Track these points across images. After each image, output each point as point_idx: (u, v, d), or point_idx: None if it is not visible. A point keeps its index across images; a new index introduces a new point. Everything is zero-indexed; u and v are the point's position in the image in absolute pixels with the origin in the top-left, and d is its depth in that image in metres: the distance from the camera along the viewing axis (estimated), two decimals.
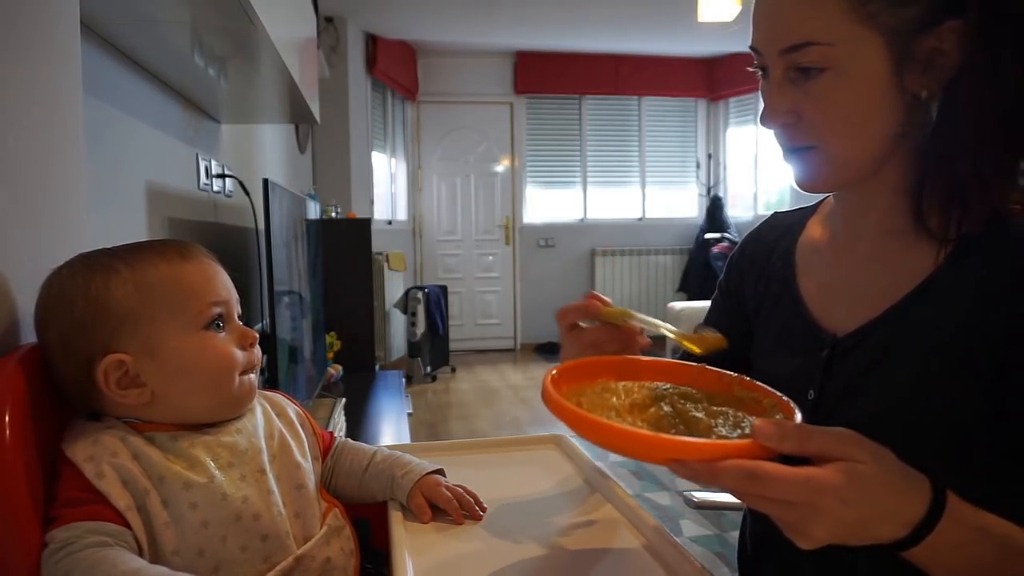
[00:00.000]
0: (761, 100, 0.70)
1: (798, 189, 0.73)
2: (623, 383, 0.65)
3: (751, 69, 0.72)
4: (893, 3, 0.62)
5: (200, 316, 0.66)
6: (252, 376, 0.70)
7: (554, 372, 0.61)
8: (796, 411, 0.57)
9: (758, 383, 0.64)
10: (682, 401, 0.61)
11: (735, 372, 0.89)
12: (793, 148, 0.70)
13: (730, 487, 0.49)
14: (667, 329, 0.70)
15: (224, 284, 0.70)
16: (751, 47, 0.70)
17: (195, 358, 0.65)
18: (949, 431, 0.63)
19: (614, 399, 0.61)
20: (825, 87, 0.65)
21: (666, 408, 0.59)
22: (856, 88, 0.64)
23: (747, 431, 0.55)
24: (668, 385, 0.65)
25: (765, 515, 0.51)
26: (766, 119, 0.69)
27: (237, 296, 0.71)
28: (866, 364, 0.69)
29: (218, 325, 0.67)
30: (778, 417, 0.57)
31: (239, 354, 0.68)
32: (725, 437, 0.55)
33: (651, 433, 0.53)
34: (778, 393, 0.61)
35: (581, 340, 0.75)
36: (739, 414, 0.59)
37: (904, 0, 0.62)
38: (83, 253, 0.67)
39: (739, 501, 0.53)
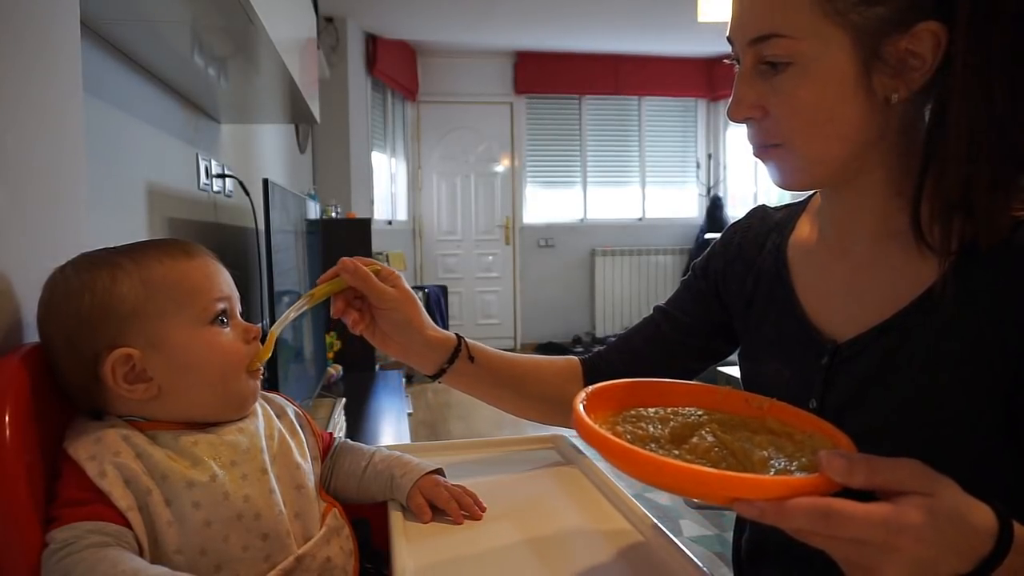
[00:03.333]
0: None
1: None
2: (653, 409, 0.63)
3: (727, 61, 0.71)
4: (862, 1, 0.60)
5: (205, 311, 0.66)
6: (258, 372, 0.70)
7: (584, 401, 0.58)
8: (838, 432, 0.55)
9: (789, 407, 0.62)
10: (722, 430, 0.59)
11: (698, 357, 0.90)
12: (761, 145, 0.69)
13: (799, 527, 0.45)
14: (295, 309, 0.77)
15: (226, 281, 0.70)
16: (727, 37, 0.69)
17: (201, 352, 0.66)
18: (959, 444, 0.62)
19: (651, 428, 0.59)
20: (790, 82, 0.63)
21: (709, 438, 0.57)
22: (821, 85, 0.63)
23: (804, 462, 0.53)
24: (701, 411, 0.63)
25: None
26: (732, 111, 0.68)
27: (238, 294, 0.72)
28: (870, 373, 0.67)
29: (222, 320, 0.68)
30: (830, 449, 0.54)
31: (243, 348, 0.69)
32: (784, 471, 0.52)
33: (715, 471, 0.49)
34: (817, 419, 0.59)
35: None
36: (787, 444, 0.57)
37: None
38: (85, 252, 0.67)
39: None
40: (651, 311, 0.95)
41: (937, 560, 0.46)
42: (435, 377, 0.88)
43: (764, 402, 0.63)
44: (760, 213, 0.88)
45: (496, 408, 0.94)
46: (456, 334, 0.89)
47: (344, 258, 0.80)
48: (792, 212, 0.84)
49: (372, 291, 0.80)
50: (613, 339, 0.97)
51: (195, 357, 0.65)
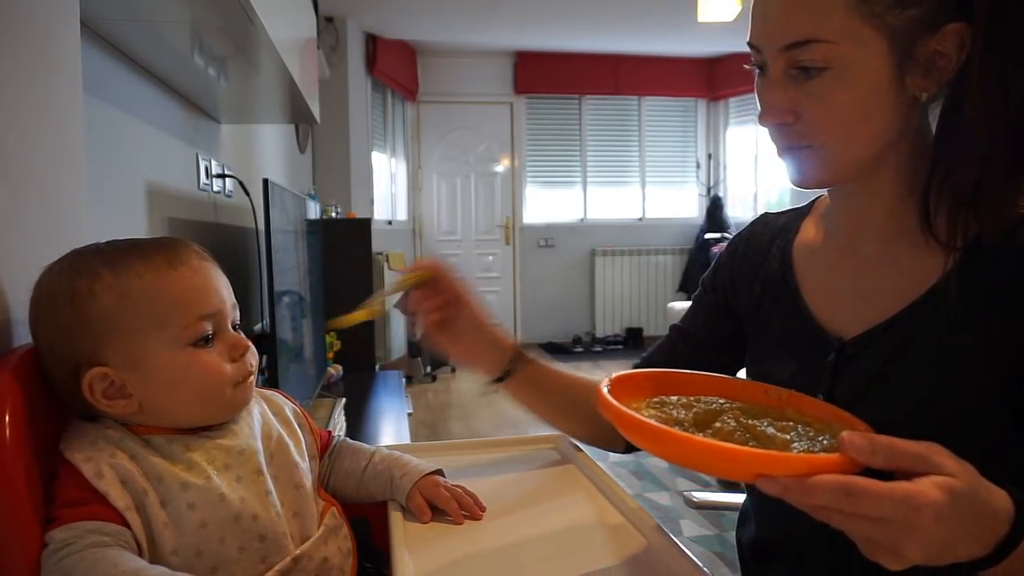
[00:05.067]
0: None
1: (794, 187, 0.72)
2: (676, 397, 0.64)
3: (748, 67, 0.71)
4: (897, 3, 0.61)
5: (187, 331, 0.64)
6: (247, 383, 0.68)
7: (608, 386, 0.59)
8: (856, 420, 0.56)
9: (807, 397, 0.63)
10: (744, 416, 0.60)
11: (716, 370, 0.89)
12: (790, 147, 0.69)
13: (823, 504, 0.46)
14: (388, 290, 0.84)
15: (215, 292, 0.67)
16: (749, 43, 0.69)
17: (182, 375, 0.63)
18: (965, 438, 0.61)
19: (675, 413, 0.60)
20: (826, 86, 0.64)
21: (731, 422, 0.58)
22: (857, 88, 0.63)
23: (825, 444, 0.54)
24: (723, 399, 0.64)
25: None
26: (764, 117, 0.68)
27: (234, 300, 0.69)
28: (876, 369, 0.68)
29: (207, 339, 0.65)
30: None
31: (228, 368, 0.66)
32: (806, 451, 0.53)
33: (740, 448, 0.50)
34: (835, 408, 0.60)
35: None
36: (808, 429, 0.57)
37: (908, 1, 0.61)
38: (75, 250, 0.66)
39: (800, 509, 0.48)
40: (667, 330, 0.95)
41: (955, 541, 0.47)
42: (499, 380, 0.89)
43: (783, 393, 0.64)
44: (762, 220, 0.89)
45: (550, 424, 0.94)
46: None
47: (419, 257, 0.85)
48: (795, 216, 0.85)
49: (450, 280, 0.85)
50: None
51: (175, 379, 0.63)
